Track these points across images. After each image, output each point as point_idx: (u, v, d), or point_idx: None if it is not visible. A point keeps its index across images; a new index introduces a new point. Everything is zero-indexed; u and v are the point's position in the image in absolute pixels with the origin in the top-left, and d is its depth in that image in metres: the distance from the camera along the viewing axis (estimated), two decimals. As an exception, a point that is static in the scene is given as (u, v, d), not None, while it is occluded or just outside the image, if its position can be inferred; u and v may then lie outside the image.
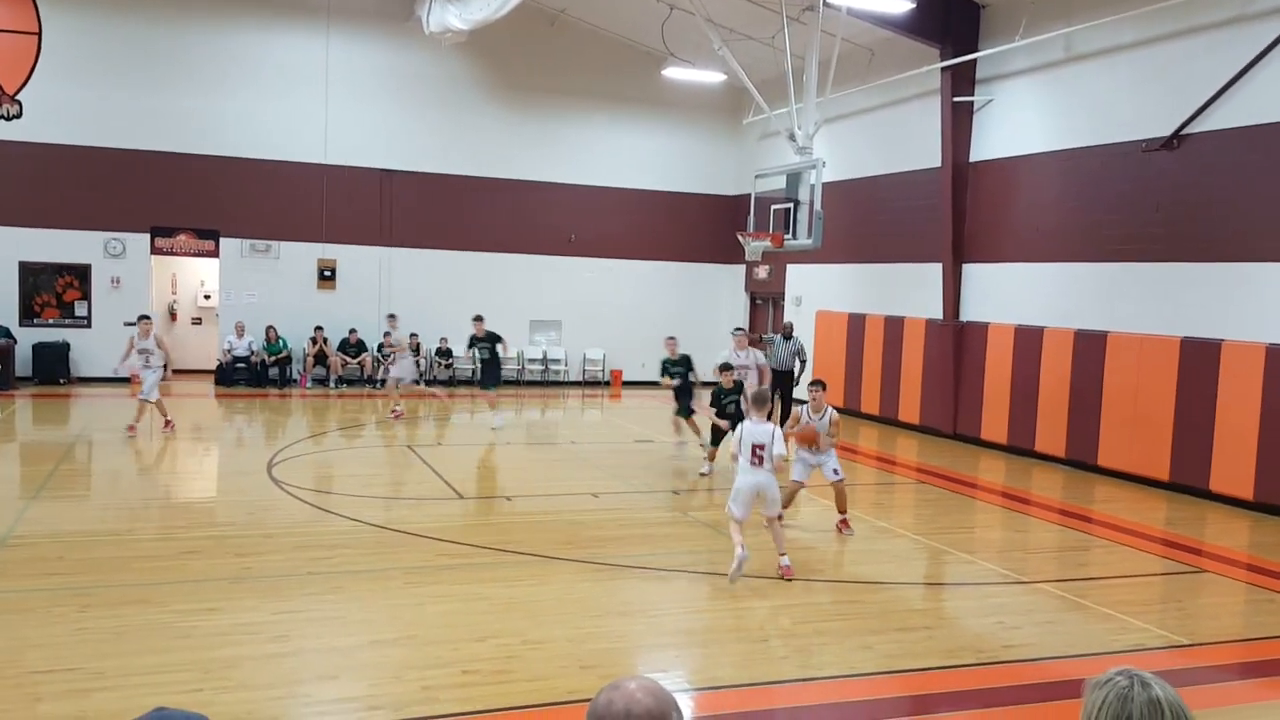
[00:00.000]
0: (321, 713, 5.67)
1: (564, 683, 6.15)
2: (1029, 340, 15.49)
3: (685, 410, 14.36)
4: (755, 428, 8.39)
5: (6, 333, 19.29)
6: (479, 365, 17.02)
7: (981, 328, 16.54)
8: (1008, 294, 16.14)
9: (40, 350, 19.78)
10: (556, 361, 23.67)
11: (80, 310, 20.35)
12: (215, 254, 21.20)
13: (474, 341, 16.49)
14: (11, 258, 19.74)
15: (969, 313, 17.00)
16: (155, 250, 20.75)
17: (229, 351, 20.99)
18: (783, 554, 8.52)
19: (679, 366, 14.36)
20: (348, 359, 21.72)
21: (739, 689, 6.28)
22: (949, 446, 16.55)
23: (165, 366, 14.85)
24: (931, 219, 17.51)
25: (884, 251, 19.18)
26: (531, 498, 11.62)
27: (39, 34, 19.51)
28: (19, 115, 19.47)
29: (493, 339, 16.38)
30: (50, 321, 20.16)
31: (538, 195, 23.12)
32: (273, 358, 21.15)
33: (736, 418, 11.55)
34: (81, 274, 20.31)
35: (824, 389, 10.45)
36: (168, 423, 14.99)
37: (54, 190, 19.78)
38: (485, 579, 8.27)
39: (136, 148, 20.18)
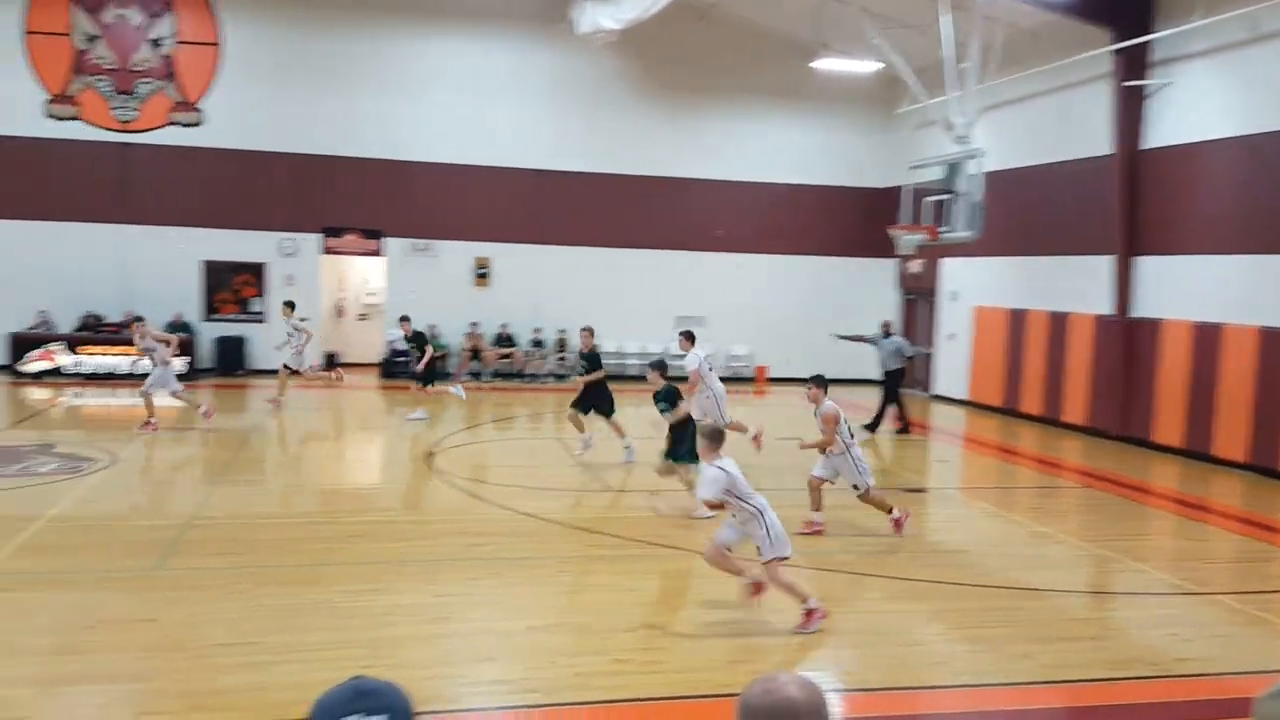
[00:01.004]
0: (479, 693, 5.85)
1: (714, 676, 6.17)
2: (1208, 337, 14.58)
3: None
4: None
5: (187, 327, 20.63)
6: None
7: (1154, 324, 15.66)
8: (1184, 288, 15.23)
9: (221, 344, 21.10)
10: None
11: (256, 306, 21.60)
12: (379, 253, 22.13)
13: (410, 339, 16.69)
14: (195, 257, 21.11)
15: (1140, 308, 16.13)
16: (326, 249, 21.83)
17: (391, 345, 21.88)
18: (806, 598, 7.07)
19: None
20: (501, 353, 22.32)
21: (890, 692, 6.16)
22: (1117, 449, 15.75)
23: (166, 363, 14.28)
24: (1099, 209, 16.69)
25: (1046, 244, 18.40)
26: (679, 492, 11.66)
27: (219, 45, 20.81)
28: (201, 122, 20.81)
29: (420, 339, 16.60)
30: (229, 317, 21.47)
31: (685, 192, 23.20)
32: (435, 351, 21.89)
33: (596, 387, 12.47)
34: (257, 272, 21.55)
35: (818, 384, 9.65)
36: (148, 422, 14.07)
37: (233, 193, 21.06)
38: (636, 571, 8.37)
39: (308, 152, 21.26)
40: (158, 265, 20.72)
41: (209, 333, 21.11)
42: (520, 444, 15.73)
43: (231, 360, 21.11)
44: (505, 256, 22.57)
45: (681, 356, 12.84)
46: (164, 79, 20.65)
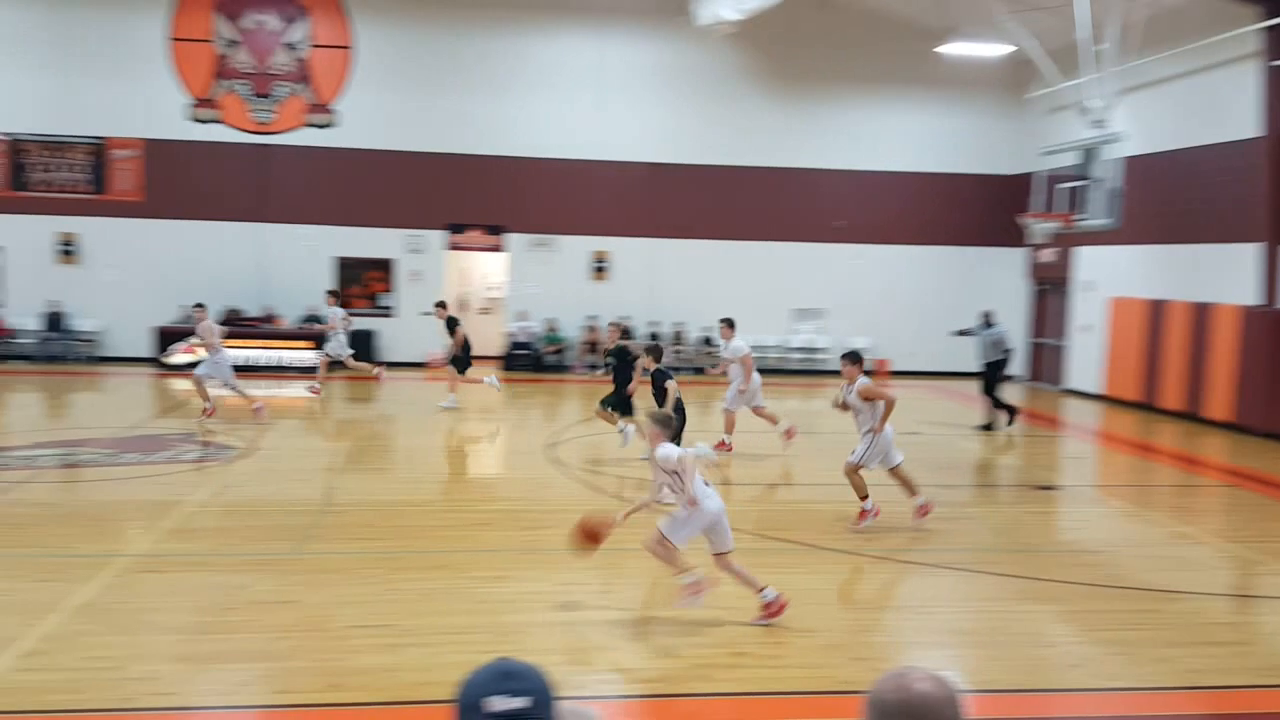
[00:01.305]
0: (601, 681, 5.94)
1: (836, 672, 6.11)
2: (1367, 329, 13.66)
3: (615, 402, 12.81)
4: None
5: (319, 321, 21.44)
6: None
7: (1306, 315, 14.76)
8: (1340, 277, 14.31)
9: (351, 336, 21.80)
10: (821, 350, 23.39)
11: (385, 301, 22.31)
12: (501, 248, 22.58)
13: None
14: (329, 253, 21.93)
15: (1291, 298, 15.23)
16: (451, 245, 22.40)
17: (513, 339, 22.32)
18: (763, 588, 6.84)
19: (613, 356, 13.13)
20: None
21: (1019, 694, 5.99)
22: (1267, 447, 14.91)
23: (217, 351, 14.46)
24: (1246, 195, 15.80)
25: (1188, 231, 17.52)
26: (798, 486, 11.59)
27: (352, 48, 21.55)
28: (334, 124, 21.60)
29: (453, 324, 16.55)
30: (360, 311, 22.20)
31: (805, 182, 22.95)
32: (550, 346, 22.28)
33: (617, 381, 12.40)
34: (386, 268, 22.26)
35: (853, 361, 9.74)
36: (205, 409, 14.36)
37: (363, 192, 21.79)
38: (754, 565, 8.32)
39: (434, 150, 21.85)
40: (293, 262, 21.61)
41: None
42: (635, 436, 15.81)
43: (361, 352, 21.80)
44: (623, 250, 22.74)
45: (704, 344, 12.98)
46: (299, 82, 21.51)
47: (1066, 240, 19.89)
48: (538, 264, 22.54)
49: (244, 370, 18.62)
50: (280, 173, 21.58)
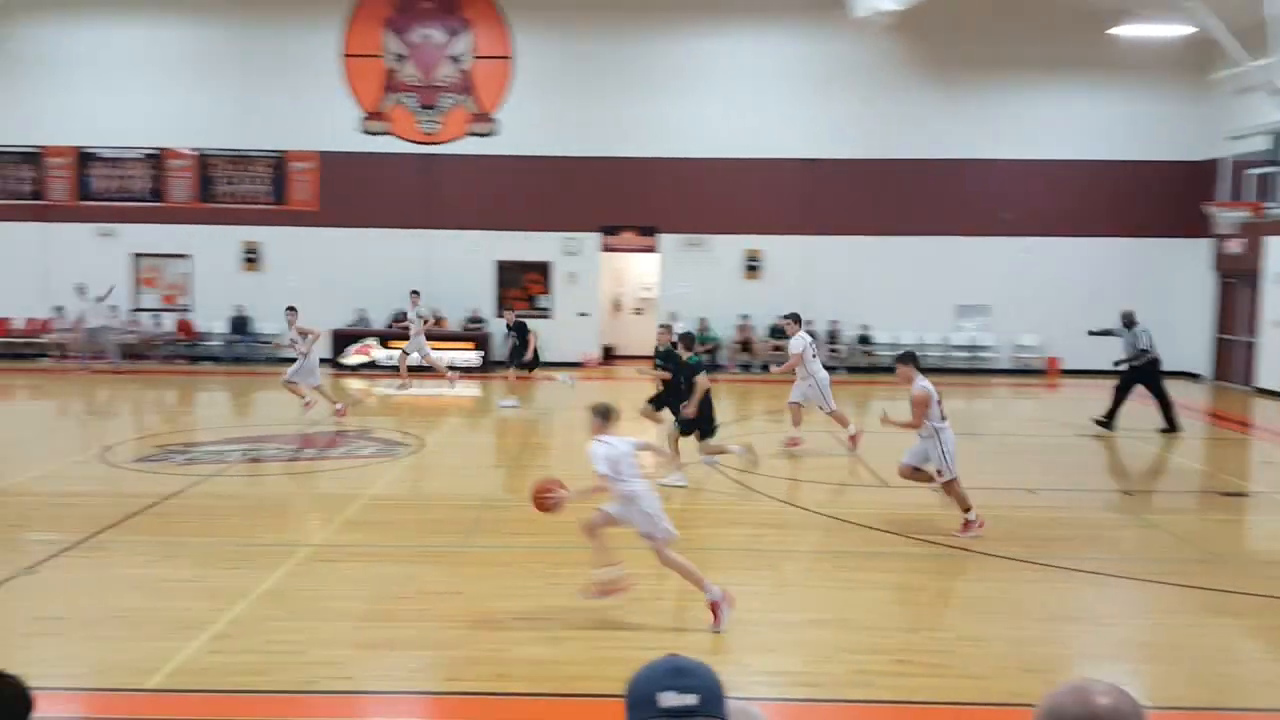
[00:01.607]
0: (759, 683, 5.90)
1: (1004, 683, 5.89)
2: None
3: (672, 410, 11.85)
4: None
5: (481, 322, 22.16)
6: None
7: None
8: None
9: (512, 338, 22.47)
10: (985, 348, 22.59)
11: (543, 303, 22.85)
12: (654, 249, 22.78)
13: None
14: (490, 257, 22.63)
15: None
16: (605, 248, 22.75)
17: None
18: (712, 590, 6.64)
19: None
20: (774, 345, 22.33)
21: (1204, 712, 5.63)
22: None
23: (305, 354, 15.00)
24: None
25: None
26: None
27: (512, 58, 22.17)
28: (495, 132, 22.27)
29: (522, 329, 17.22)
30: (519, 313, 22.78)
31: (968, 173, 22.21)
32: (702, 346, 22.30)
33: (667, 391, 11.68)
34: (543, 270, 22.79)
35: (908, 362, 9.21)
36: (309, 404, 15.16)
37: (522, 197, 22.38)
38: (917, 569, 8.13)
39: (589, 154, 22.23)
40: (456, 266, 22.40)
41: (501, 327, 22.52)
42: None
43: (521, 353, 22.39)
44: (777, 248, 22.56)
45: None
46: (463, 93, 22.27)
47: (1256, 230, 18.54)
48: (690, 264, 22.61)
49: (412, 371, 19.45)
50: (444, 180, 22.40)
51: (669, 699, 1.79)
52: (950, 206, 22.26)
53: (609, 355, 23.44)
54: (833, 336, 22.38)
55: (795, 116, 22.18)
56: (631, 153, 22.20)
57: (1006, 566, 8.19)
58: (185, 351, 22.32)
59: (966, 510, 9.07)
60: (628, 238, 22.79)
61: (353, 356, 21.31)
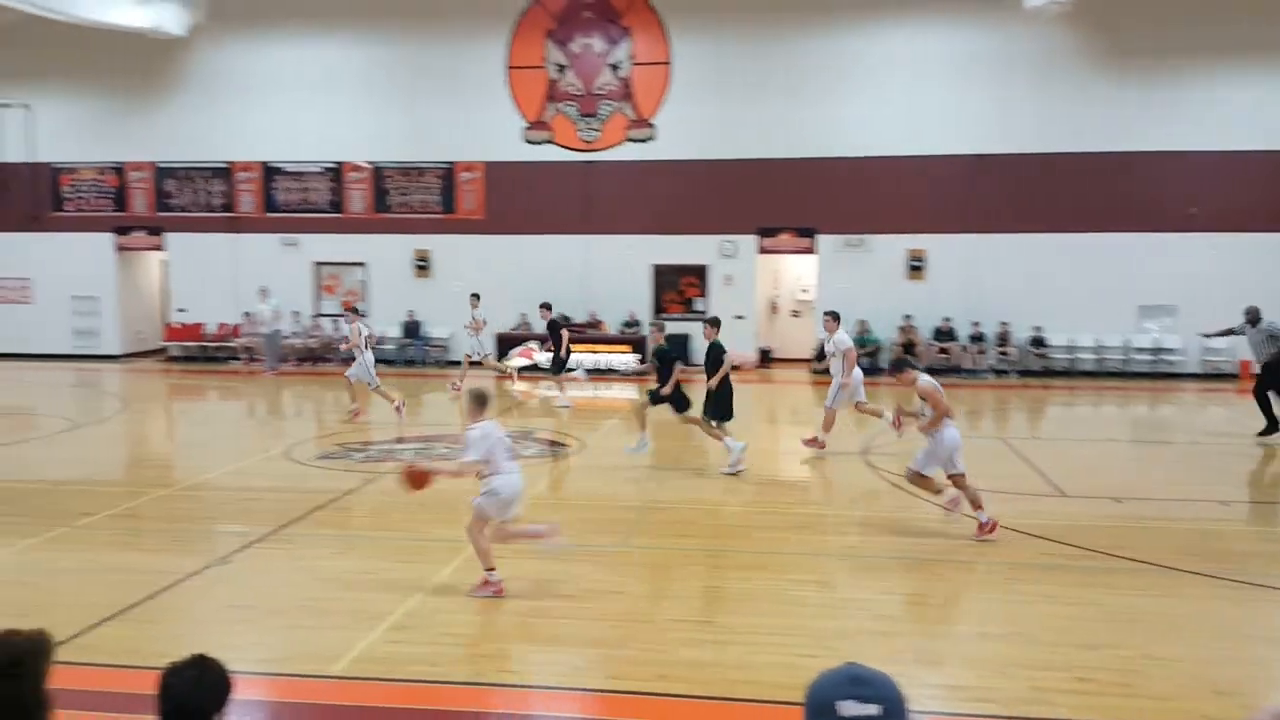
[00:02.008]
0: (930, 697, 5.72)
1: (1195, 705, 5.52)
2: None
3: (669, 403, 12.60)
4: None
5: (637, 326, 22.35)
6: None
7: None
8: None
9: (668, 341, 22.56)
10: (1170, 351, 21.27)
11: (699, 306, 22.89)
12: (812, 250, 22.48)
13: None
14: (647, 261, 22.83)
15: None
16: (761, 250, 22.61)
17: (824, 342, 22.12)
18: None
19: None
20: (940, 348, 21.67)
21: None
22: None
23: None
24: None
25: None
26: (1144, 501, 10.58)
27: (670, 63, 22.33)
28: (653, 137, 22.47)
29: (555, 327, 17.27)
30: (675, 316, 22.95)
31: (1150, 166, 20.95)
32: (862, 348, 21.85)
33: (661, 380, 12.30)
34: (700, 273, 22.83)
35: (904, 368, 9.05)
36: (392, 404, 15.68)
37: (679, 201, 22.49)
38: (1096, 584, 7.71)
39: (745, 156, 22.14)
40: (614, 271, 22.70)
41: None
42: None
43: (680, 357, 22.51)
44: (941, 247, 21.88)
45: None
46: (621, 99, 22.57)
47: None
48: (849, 265, 22.18)
49: (571, 373, 19.76)
50: (602, 186, 22.75)
51: (850, 708, 1.75)
52: (1130, 202, 21.06)
53: (766, 358, 23.26)
54: (1003, 339, 21.53)
55: (960, 111, 21.47)
56: (789, 153, 21.98)
57: (1196, 582, 7.68)
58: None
59: (978, 508, 8.85)
60: (785, 239, 22.57)
61: (515, 359, 21.84)
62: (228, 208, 23.94)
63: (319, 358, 23.11)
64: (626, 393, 19.55)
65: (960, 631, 6.67)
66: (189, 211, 24.03)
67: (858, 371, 13.22)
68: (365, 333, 16.05)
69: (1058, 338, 21.42)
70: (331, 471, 11.77)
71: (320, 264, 23.88)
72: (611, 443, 14.14)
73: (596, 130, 22.72)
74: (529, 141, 22.89)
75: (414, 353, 23.21)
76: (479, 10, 22.65)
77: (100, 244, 24.21)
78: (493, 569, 7.30)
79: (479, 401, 7.40)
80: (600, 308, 22.75)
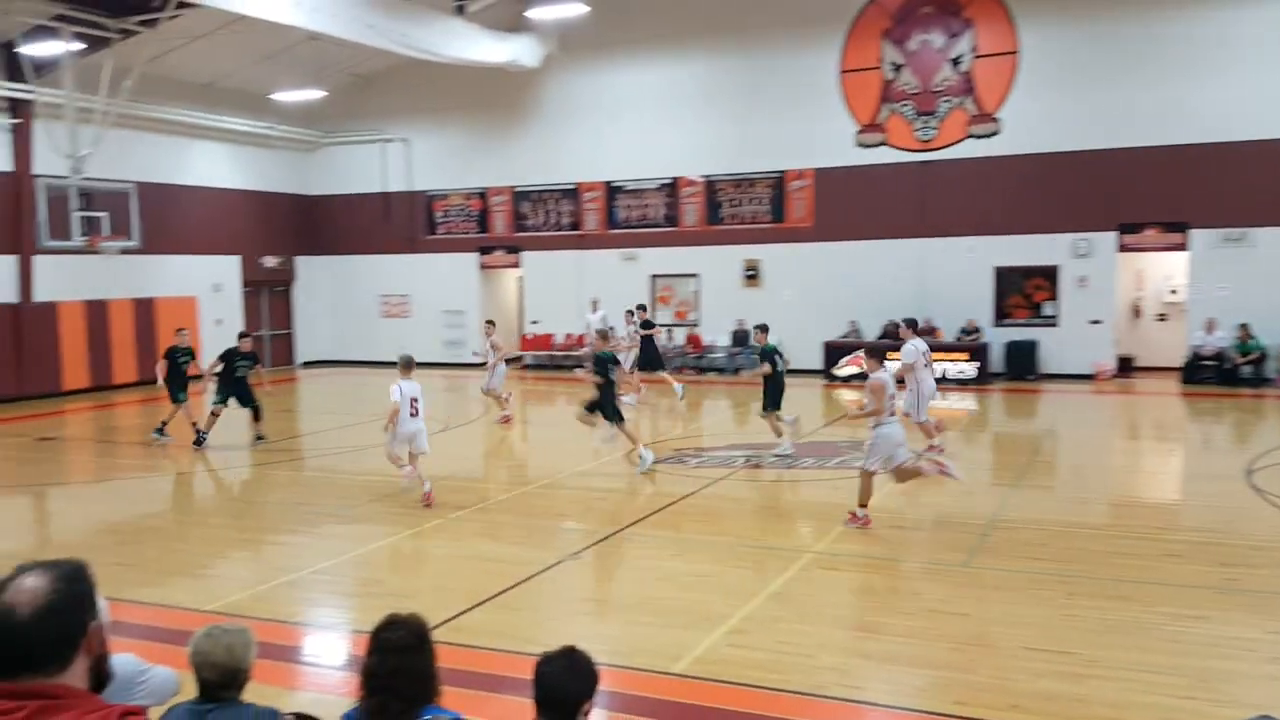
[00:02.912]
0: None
1: None
2: None
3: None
4: (410, 385, 10.68)
5: (977, 332, 21.28)
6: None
7: None
8: None
9: (1011, 348, 21.33)
10: None
11: (1048, 310, 21.40)
12: (1183, 247, 20.30)
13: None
14: (988, 264, 21.68)
15: None
16: (1121, 247, 20.75)
17: (1197, 349, 19.90)
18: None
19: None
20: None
21: None
22: None
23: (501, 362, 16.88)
24: None
25: None
26: None
27: (1017, 52, 21.11)
28: (997, 132, 21.33)
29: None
30: (1020, 321, 21.62)
31: None
32: (1244, 357, 19.41)
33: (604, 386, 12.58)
34: (1049, 275, 21.33)
35: (872, 355, 9.73)
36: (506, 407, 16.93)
37: (1025, 198, 21.15)
38: None
39: (1103, 147, 20.41)
40: (951, 274, 21.77)
41: (999, 338, 21.49)
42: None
43: (1021, 364, 21.20)
44: (1345, 241, 18.97)
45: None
46: (962, 94, 21.63)
47: None
48: (1228, 262, 19.77)
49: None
50: (938, 187, 21.88)
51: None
52: None
53: (1126, 367, 21.29)
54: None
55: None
56: (1153, 141, 19.99)
57: None
58: (693, 363, 24.13)
59: (862, 504, 9.35)
60: (1150, 235, 20.53)
61: (845, 368, 21.56)
62: (574, 226, 25.56)
63: (654, 366, 24.04)
64: (964, 403, 18.69)
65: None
66: (541, 231, 25.93)
67: (930, 384, 13.03)
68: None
69: None
70: (667, 476, 12.17)
71: (656, 276, 24.87)
72: (947, 455, 13.53)
73: (934, 129, 21.91)
74: (861, 145, 22.52)
75: (743, 360, 23.54)
76: (812, 17, 22.60)
77: (466, 263, 26.72)
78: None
79: (406, 365, 10.88)
80: (937, 314, 21.89)
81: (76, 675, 1.94)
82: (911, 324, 13.66)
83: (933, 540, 9.02)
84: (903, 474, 9.57)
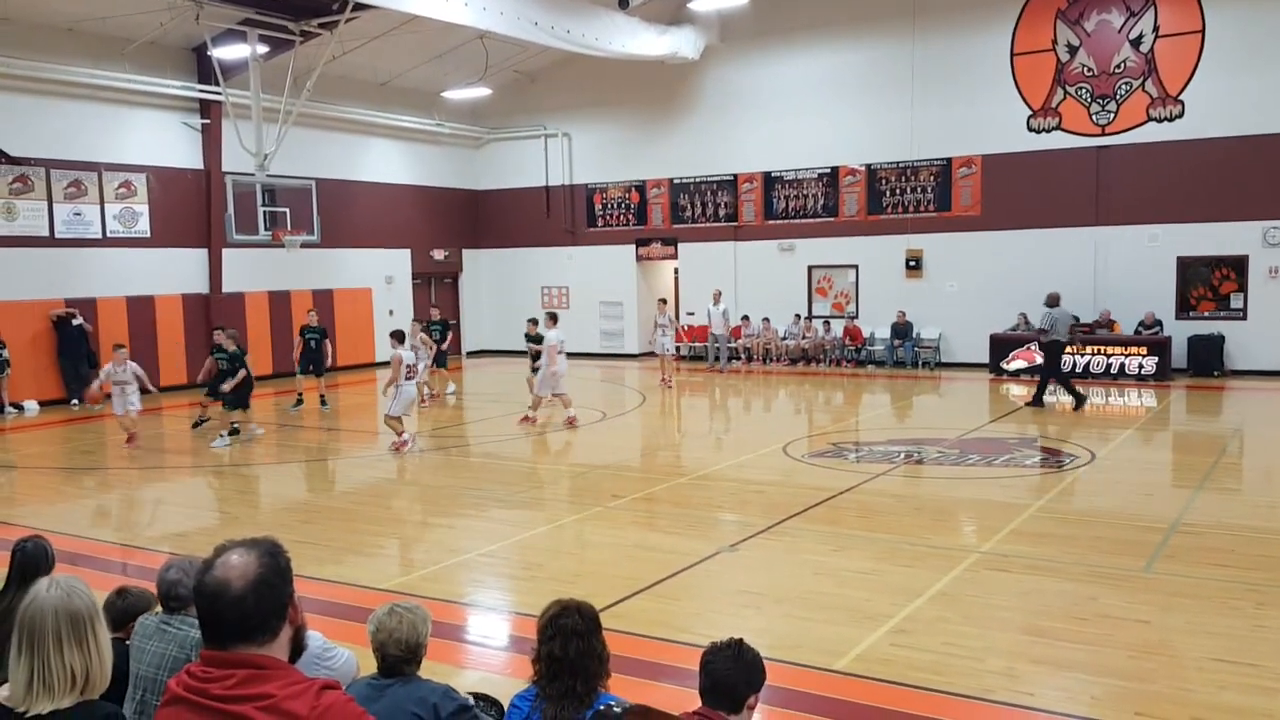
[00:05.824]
0: None
1: None
2: None
3: None
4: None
5: (1159, 326, 20.10)
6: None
7: None
8: None
9: (1195, 343, 20.08)
10: None
11: (1235, 303, 20.04)
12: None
13: None
14: (1170, 253, 20.45)
15: None
16: (1320, 236, 19.24)
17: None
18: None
19: None
20: None
21: None
22: None
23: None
24: None
25: None
26: None
27: (1203, 31, 19.80)
28: (1181, 115, 20.08)
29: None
30: (1205, 314, 20.33)
31: None
32: None
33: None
34: (1237, 266, 19.97)
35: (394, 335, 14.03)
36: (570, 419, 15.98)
37: (1212, 184, 19.85)
38: None
39: (1297, 129, 18.98)
40: (1129, 264, 20.68)
41: (1182, 331, 20.25)
42: None
43: (1207, 360, 19.92)
44: None
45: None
46: (1143, 76, 20.46)
47: None
48: None
49: (1079, 378, 18.37)
50: (1115, 173, 20.79)
51: None
52: None
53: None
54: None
55: None
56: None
57: None
58: (852, 356, 23.73)
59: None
60: (1352, 223, 18.97)
61: (1014, 362, 20.80)
62: (731, 217, 25.50)
63: (811, 358, 23.79)
64: (1143, 399, 17.73)
65: None
66: (697, 222, 25.99)
67: None
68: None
69: None
70: (824, 470, 12.05)
71: (813, 267, 24.56)
72: (1124, 454, 12.90)
73: (1112, 112, 20.81)
74: (1033, 130, 21.61)
75: (904, 353, 23.01)
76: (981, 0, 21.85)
77: (623, 255, 27.05)
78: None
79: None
80: (1112, 306, 20.82)
81: (281, 646, 2.09)
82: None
83: (1110, 543, 8.61)
84: None
